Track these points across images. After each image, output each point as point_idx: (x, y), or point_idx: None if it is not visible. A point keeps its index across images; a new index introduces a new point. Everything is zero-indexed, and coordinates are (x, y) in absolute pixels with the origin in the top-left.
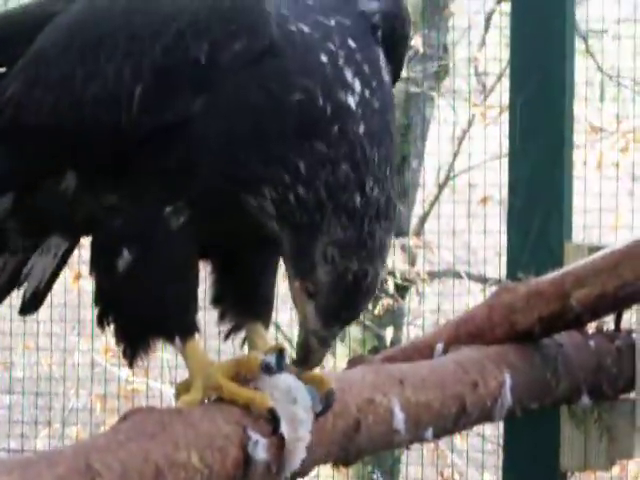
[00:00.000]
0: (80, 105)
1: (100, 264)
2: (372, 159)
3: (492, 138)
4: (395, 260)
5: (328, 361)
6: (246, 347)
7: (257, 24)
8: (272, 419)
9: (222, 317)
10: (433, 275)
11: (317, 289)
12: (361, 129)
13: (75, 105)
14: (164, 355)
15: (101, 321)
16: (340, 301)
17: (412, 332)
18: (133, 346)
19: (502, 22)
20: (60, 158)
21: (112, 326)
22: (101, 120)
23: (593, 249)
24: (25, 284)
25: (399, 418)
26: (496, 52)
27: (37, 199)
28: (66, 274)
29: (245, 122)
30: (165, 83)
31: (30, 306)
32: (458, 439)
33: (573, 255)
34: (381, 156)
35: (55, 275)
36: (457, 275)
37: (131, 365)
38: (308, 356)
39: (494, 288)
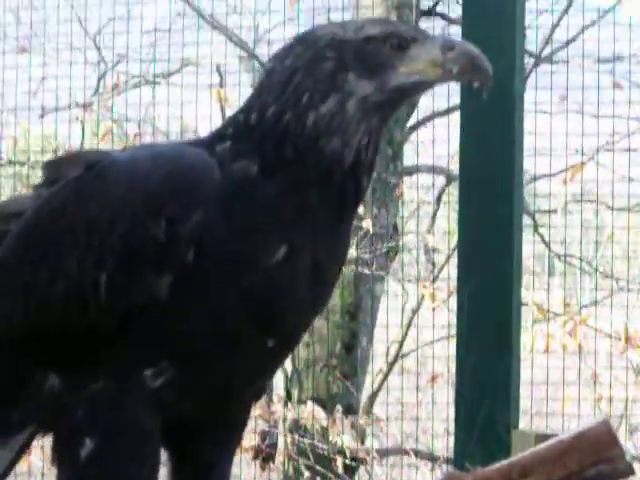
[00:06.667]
0: (49, 305)
1: (63, 452)
2: None
3: (442, 317)
4: (344, 438)
5: None
6: None
7: (208, 188)
8: None
9: None
10: (382, 453)
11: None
12: None
13: (44, 306)
14: None
15: None
16: None
17: None
18: None
19: (452, 197)
20: (34, 362)
21: None
22: (71, 315)
23: (540, 437)
24: None
25: None
26: (446, 225)
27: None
28: None
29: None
30: (127, 267)
31: None
32: None
33: (520, 443)
34: None
35: (12, 466)
36: (406, 453)
37: None
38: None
39: (443, 467)
